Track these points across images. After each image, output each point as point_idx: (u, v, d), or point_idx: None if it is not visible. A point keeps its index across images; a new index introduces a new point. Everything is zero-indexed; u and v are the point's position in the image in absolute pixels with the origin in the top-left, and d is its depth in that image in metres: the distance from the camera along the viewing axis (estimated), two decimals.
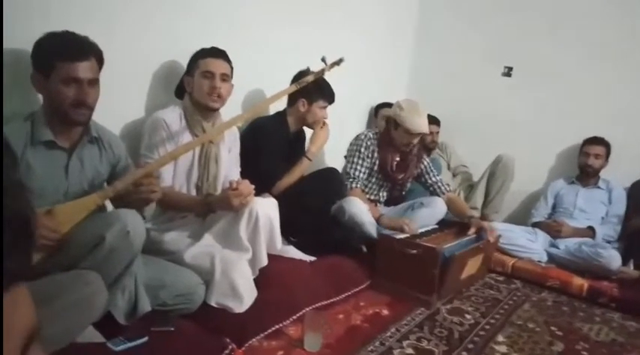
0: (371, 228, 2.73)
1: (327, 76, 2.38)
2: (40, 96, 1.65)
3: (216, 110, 2.16)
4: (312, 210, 2.53)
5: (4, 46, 1.68)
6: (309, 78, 2.11)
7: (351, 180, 2.92)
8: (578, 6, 3.63)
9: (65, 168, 1.65)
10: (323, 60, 2.14)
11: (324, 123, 2.74)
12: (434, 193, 3.11)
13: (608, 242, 3.21)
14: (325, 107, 2.72)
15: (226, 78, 2.14)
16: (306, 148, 2.75)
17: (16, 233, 0.38)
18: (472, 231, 2.81)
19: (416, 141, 2.94)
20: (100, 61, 1.66)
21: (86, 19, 1.91)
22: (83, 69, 1.57)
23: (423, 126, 2.85)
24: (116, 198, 1.69)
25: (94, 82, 1.62)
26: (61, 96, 1.57)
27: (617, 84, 3.54)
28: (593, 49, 3.60)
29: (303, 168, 2.64)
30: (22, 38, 1.65)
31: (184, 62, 2.21)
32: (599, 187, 3.44)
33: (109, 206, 1.79)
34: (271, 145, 2.57)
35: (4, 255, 0.37)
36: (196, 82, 2.11)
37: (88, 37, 1.62)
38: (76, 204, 1.56)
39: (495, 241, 2.95)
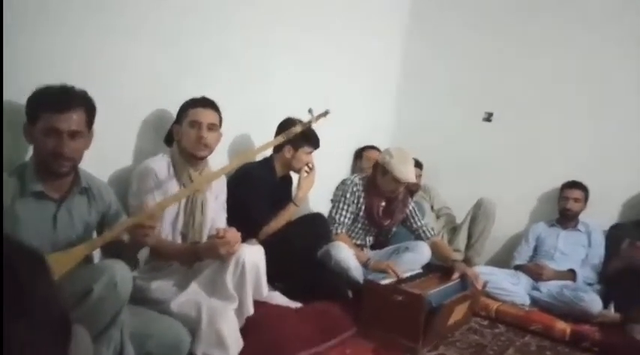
0: (357, 273, 2.74)
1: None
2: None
3: (204, 159, 2.19)
4: (298, 255, 2.55)
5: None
6: (297, 128, 2.17)
7: (336, 225, 2.95)
8: (556, 54, 3.77)
9: (53, 219, 1.66)
10: (310, 111, 2.20)
11: (310, 169, 2.78)
12: (419, 237, 3.15)
13: (590, 284, 3.26)
14: (311, 152, 2.78)
15: (213, 127, 2.18)
16: (293, 193, 2.79)
17: (58, 332, 0.42)
18: (456, 275, 2.84)
19: (402, 188, 3.00)
20: (90, 113, 1.68)
21: (81, 67, 1.95)
22: (63, 120, 1.58)
23: (410, 174, 2.92)
24: (105, 245, 1.69)
25: (77, 134, 1.62)
26: (41, 146, 1.60)
27: (594, 130, 3.65)
28: (572, 96, 3.72)
29: (290, 214, 2.67)
30: (12, 92, 1.69)
31: (173, 110, 2.25)
32: (578, 230, 3.51)
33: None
34: (258, 191, 2.60)
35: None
36: (184, 130, 2.15)
37: (85, 90, 1.65)
38: (64, 256, 1.56)
39: (483, 288, 2.97)
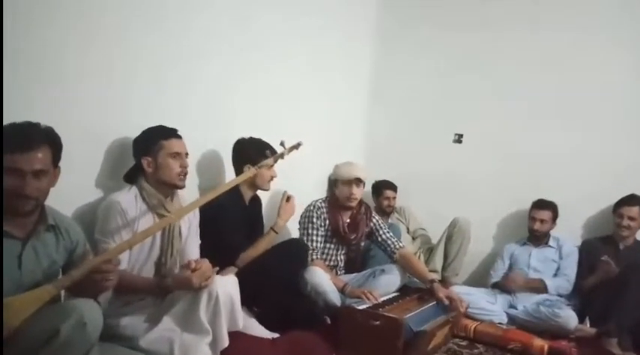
0: (334, 296, 2.73)
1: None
2: None
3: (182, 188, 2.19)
4: (276, 282, 2.53)
5: None
6: (268, 161, 2.18)
7: (310, 252, 2.93)
8: (524, 72, 3.87)
9: (18, 259, 1.60)
10: (282, 144, 2.20)
11: (289, 198, 2.79)
12: (386, 251, 3.16)
13: (561, 296, 3.30)
14: (272, 166, 2.73)
15: (187, 156, 2.20)
16: (263, 215, 2.77)
17: None
18: (439, 296, 2.81)
19: (356, 191, 3.02)
20: (56, 150, 1.65)
21: (37, 97, 1.91)
22: (25, 160, 1.54)
23: (354, 170, 3.03)
24: (71, 286, 1.65)
25: (41, 173, 1.58)
26: (5, 186, 1.55)
27: (564, 146, 3.72)
28: (541, 113, 3.81)
29: (269, 241, 2.66)
30: None
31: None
32: (550, 246, 3.56)
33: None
34: (229, 218, 2.58)
35: None
36: (162, 162, 2.12)
37: (51, 127, 1.62)
38: (29, 296, 1.51)
39: (465, 311, 2.96)
